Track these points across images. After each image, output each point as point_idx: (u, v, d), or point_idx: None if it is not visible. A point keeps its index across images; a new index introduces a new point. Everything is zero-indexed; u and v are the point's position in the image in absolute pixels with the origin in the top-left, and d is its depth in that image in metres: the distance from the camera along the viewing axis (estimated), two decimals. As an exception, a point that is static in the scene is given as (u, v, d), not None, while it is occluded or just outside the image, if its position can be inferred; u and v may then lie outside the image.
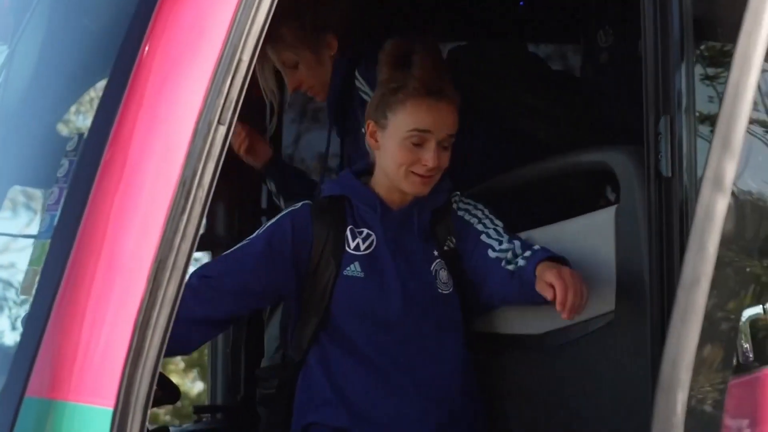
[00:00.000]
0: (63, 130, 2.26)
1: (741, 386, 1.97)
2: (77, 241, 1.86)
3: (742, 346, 2.00)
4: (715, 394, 1.93)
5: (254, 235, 2.68)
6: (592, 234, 2.65)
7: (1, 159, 2.43)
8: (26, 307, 1.98)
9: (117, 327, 1.84)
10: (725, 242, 1.90)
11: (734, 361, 1.96)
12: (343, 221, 2.63)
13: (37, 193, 2.25)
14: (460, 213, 2.73)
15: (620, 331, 2.46)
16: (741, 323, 1.99)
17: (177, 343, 2.38)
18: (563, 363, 2.69)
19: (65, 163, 2.02)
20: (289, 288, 2.61)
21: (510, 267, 2.58)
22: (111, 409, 1.79)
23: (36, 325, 1.85)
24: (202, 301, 2.48)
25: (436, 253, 2.67)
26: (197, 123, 1.87)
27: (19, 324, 2.02)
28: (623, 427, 2.33)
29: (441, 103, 2.60)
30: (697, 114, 2.20)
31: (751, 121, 1.94)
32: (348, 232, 2.62)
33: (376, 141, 2.63)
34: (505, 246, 2.63)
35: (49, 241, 1.97)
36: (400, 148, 2.56)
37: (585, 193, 3.21)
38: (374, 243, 2.63)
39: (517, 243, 2.62)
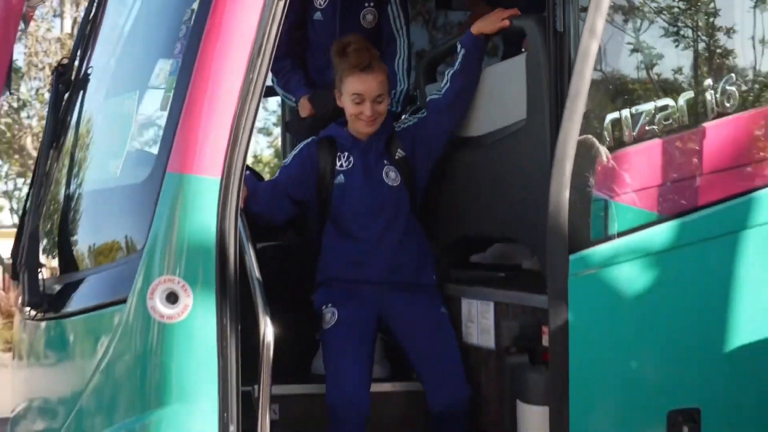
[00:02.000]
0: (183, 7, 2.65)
1: (612, 165, 2.46)
2: (194, 71, 2.36)
3: (606, 136, 2.46)
4: (590, 168, 2.43)
5: (287, 161, 3.52)
6: (511, 71, 3.06)
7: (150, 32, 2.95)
8: (165, 117, 2.45)
9: (221, 124, 2.33)
10: (596, 69, 2.41)
11: (604, 141, 2.46)
12: (335, 150, 3.37)
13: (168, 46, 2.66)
14: (402, 129, 3.46)
15: (530, 131, 2.85)
16: (605, 122, 2.48)
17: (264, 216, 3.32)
18: (494, 156, 3.10)
19: (183, 27, 2.51)
20: (311, 194, 3.39)
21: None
22: (219, 178, 2.30)
23: (171, 126, 2.37)
24: (266, 198, 3.33)
25: (386, 161, 3.35)
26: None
27: (161, 128, 2.47)
28: (533, 194, 2.71)
29: (369, 75, 3.23)
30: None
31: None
32: (336, 157, 3.35)
33: (341, 101, 3.33)
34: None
35: (176, 75, 2.44)
36: (350, 106, 3.28)
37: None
38: (351, 162, 3.34)
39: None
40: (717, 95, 2.66)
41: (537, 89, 2.84)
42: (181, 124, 2.39)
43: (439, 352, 3.21)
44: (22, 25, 3.89)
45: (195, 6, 2.50)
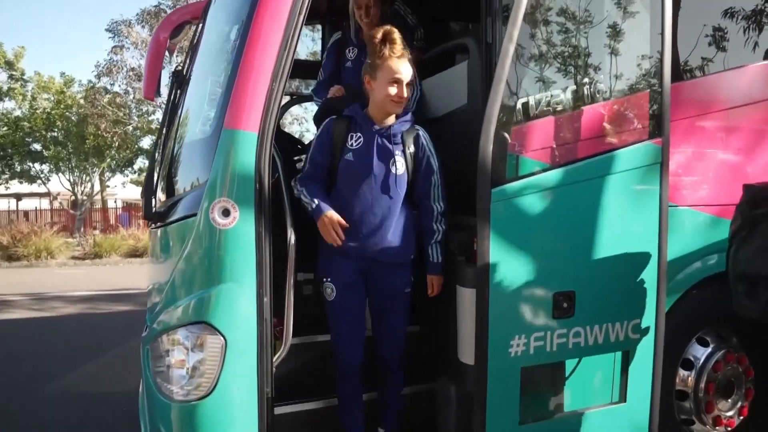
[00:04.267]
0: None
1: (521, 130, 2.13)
2: (240, 63, 1.95)
3: (517, 114, 2.11)
4: (506, 132, 2.06)
5: (315, 137, 2.35)
6: (457, 74, 2.57)
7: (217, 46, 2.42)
8: (223, 94, 2.04)
9: (258, 97, 1.93)
10: (511, 69, 2.01)
11: (516, 115, 2.12)
12: (347, 129, 2.27)
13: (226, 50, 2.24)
14: (424, 142, 2.32)
15: (469, 111, 2.43)
16: (517, 105, 2.10)
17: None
18: (445, 127, 2.61)
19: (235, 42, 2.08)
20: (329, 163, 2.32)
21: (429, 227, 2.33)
22: (257, 133, 1.93)
23: (226, 100, 1.96)
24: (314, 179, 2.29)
25: (397, 152, 2.25)
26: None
27: (221, 102, 2.03)
28: (472, 149, 2.13)
29: (406, 62, 2.23)
30: (503, 18, 2.19)
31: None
32: (348, 136, 2.26)
33: (371, 86, 2.26)
34: (436, 206, 2.33)
35: (231, 65, 2.02)
36: (384, 87, 2.22)
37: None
38: (361, 142, 2.25)
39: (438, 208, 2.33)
40: (590, 89, 2.26)
41: (474, 83, 2.40)
42: (232, 98, 1.96)
43: (391, 322, 2.38)
44: (168, 56, 3.48)
45: (243, 19, 2.04)
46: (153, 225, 2.52)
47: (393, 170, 2.25)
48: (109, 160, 21.84)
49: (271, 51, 1.96)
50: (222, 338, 1.94)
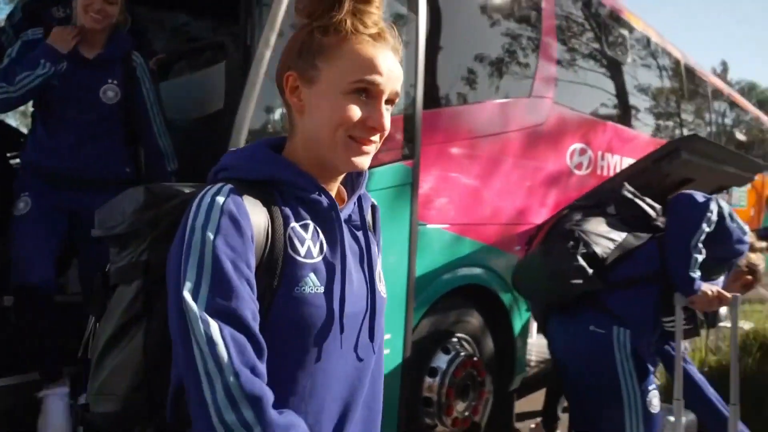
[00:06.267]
0: None
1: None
2: None
3: (274, 121, 1.97)
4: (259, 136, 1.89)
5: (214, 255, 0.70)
6: (214, 74, 2.23)
7: None
8: None
9: None
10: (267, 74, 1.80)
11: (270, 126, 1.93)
12: (284, 217, 0.79)
13: None
14: (379, 219, 1.03)
15: (227, 114, 2.01)
16: (278, 115, 1.95)
17: None
18: (199, 132, 2.28)
19: None
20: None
21: None
22: None
23: None
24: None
25: (377, 250, 0.96)
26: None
27: None
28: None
29: (386, 49, 0.80)
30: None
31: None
32: (288, 234, 0.78)
33: (300, 100, 0.81)
34: None
35: None
36: (340, 105, 0.77)
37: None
38: (323, 244, 0.82)
39: None
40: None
41: (233, 85, 2.13)
42: None
43: None
44: None
45: None
46: None
47: (380, 285, 0.95)
48: None
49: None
50: None
